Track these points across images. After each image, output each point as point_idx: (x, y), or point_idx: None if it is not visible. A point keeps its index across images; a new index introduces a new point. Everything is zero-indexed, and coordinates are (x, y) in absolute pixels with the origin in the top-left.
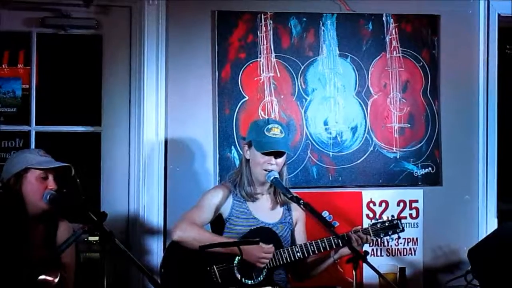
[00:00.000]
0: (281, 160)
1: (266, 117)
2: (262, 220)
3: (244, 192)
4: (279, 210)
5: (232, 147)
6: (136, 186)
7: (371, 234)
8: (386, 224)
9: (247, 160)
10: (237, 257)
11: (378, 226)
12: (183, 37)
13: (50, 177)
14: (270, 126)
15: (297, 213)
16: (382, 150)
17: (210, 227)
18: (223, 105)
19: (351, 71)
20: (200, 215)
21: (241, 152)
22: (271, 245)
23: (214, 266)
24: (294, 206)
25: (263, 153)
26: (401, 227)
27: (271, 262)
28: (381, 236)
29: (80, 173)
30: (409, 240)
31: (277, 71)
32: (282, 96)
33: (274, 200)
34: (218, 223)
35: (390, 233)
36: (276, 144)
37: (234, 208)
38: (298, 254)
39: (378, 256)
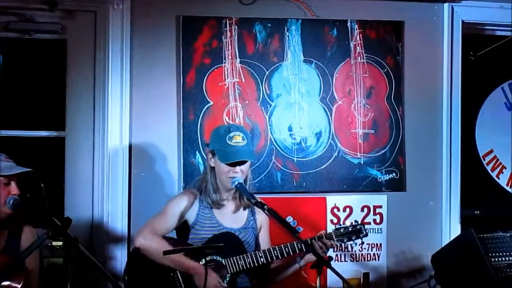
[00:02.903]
0: (245, 167)
1: (231, 122)
2: (227, 226)
3: (210, 200)
4: (244, 215)
5: (197, 153)
6: (100, 192)
7: (335, 239)
8: (350, 229)
9: (212, 168)
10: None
11: (342, 231)
12: (148, 42)
13: (13, 183)
14: (231, 134)
15: (261, 219)
16: (346, 156)
17: (176, 233)
18: (188, 111)
19: (316, 77)
20: (164, 222)
21: (206, 159)
22: (225, 284)
23: (178, 272)
24: (258, 211)
25: (226, 163)
26: (364, 232)
27: (234, 267)
28: (345, 241)
29: (44, 178)
30: (373, 245)
31: (242, 76)
32: (246, 102)
33: (239, 204)
34: (183, 230)
35: (353, 238)
36: (238, 154)
37: (200, 214)
38: (262, 259)
39: (342, 261)
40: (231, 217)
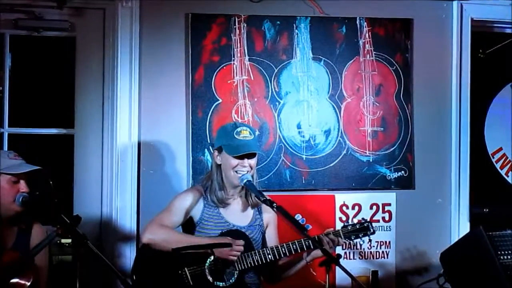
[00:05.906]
0: (254, 161)
1: (240, 119)
2: (233, 223)
3: (216, 198)
4: (250, 213)
5: (205, 150)
6: (109, 189)
7: (342, 237)
8: (357, 227)
9: (218, 166)
10: (209, 259)
11: (349, 228)
12: (157, 40)
13: (22, 181)
14: (239, 129)
15: (268, 216)
16: (355, 154)
17: (182, 230)
18: (197, 108)
19: (325, 75)
20: (170, 218)
21: (211, 158)
22: (241, 240)
23: (186, 269)
24: (264, 208)
25: (235, 157)
26: (372, 229)
27: (242, 264)
28: (352, 238)
29: (53, 176)
30: (381, 243)
31: (251, 74)
32: (255, 99)
33: (245, 202)
34: (189, 226)
35: (361, 236)
36: (247, 146)
37: (205, 212)
38: (270, 256)
39: (351, 259)
40: (237, 215)
